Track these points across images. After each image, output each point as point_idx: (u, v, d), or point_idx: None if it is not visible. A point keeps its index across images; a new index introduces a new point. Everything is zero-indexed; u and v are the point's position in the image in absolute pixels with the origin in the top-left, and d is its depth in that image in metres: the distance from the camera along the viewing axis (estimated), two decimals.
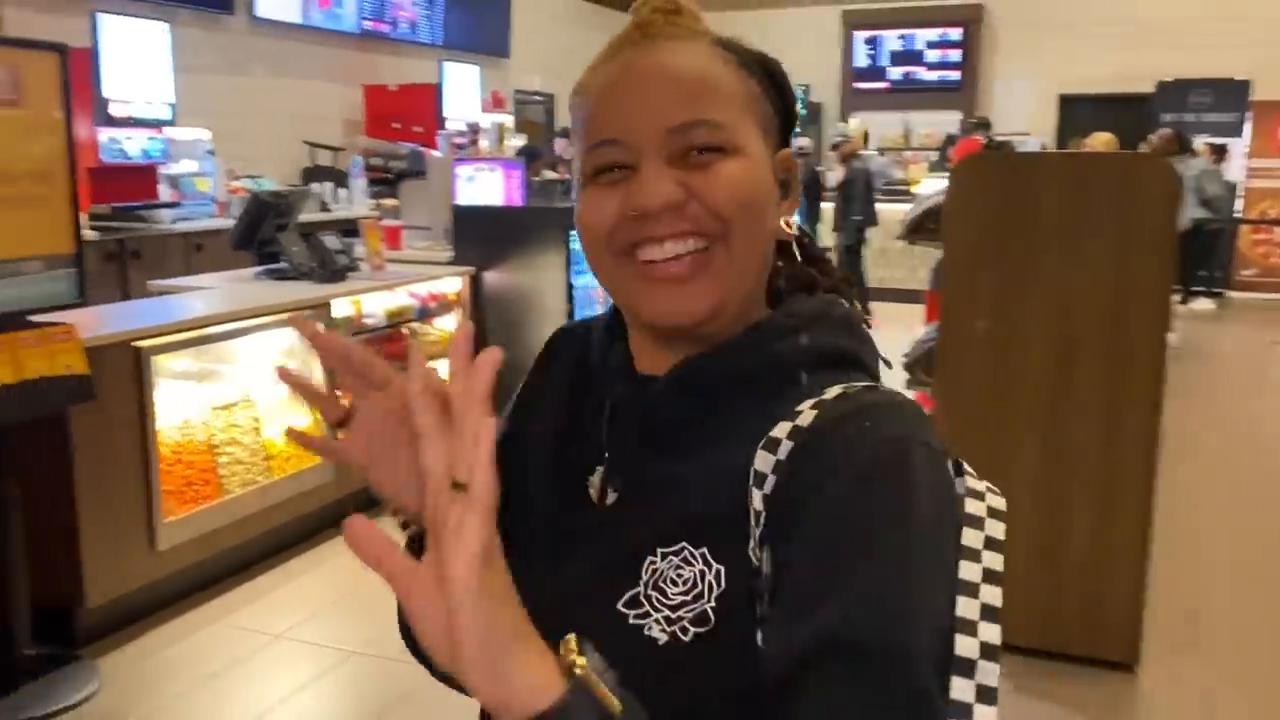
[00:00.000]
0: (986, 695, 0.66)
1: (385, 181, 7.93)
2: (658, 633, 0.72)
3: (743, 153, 0.76)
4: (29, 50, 2.93)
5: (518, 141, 7.60)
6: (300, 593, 3.76)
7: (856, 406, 0.72)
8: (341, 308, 4.37)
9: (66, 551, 3.19)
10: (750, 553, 0.71)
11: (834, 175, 9.14)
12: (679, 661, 0.71)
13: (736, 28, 0.85)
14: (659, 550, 0.74)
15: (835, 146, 9.50)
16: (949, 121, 13.13)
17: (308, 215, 6.16)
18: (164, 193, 6.62)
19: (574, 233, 4.26)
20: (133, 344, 3.38)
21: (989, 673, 0.66)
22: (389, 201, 6.88)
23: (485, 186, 5.66)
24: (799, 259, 0.86)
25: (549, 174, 7.89)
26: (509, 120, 10.61)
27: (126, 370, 3.34)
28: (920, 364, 3.39)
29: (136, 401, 3.38)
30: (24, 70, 2.90)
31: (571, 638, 0.60)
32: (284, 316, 3.95)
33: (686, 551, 0.73)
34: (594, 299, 5.56)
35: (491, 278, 5.15)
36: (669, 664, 0.71)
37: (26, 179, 2.94)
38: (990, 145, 7.94)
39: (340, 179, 8.02)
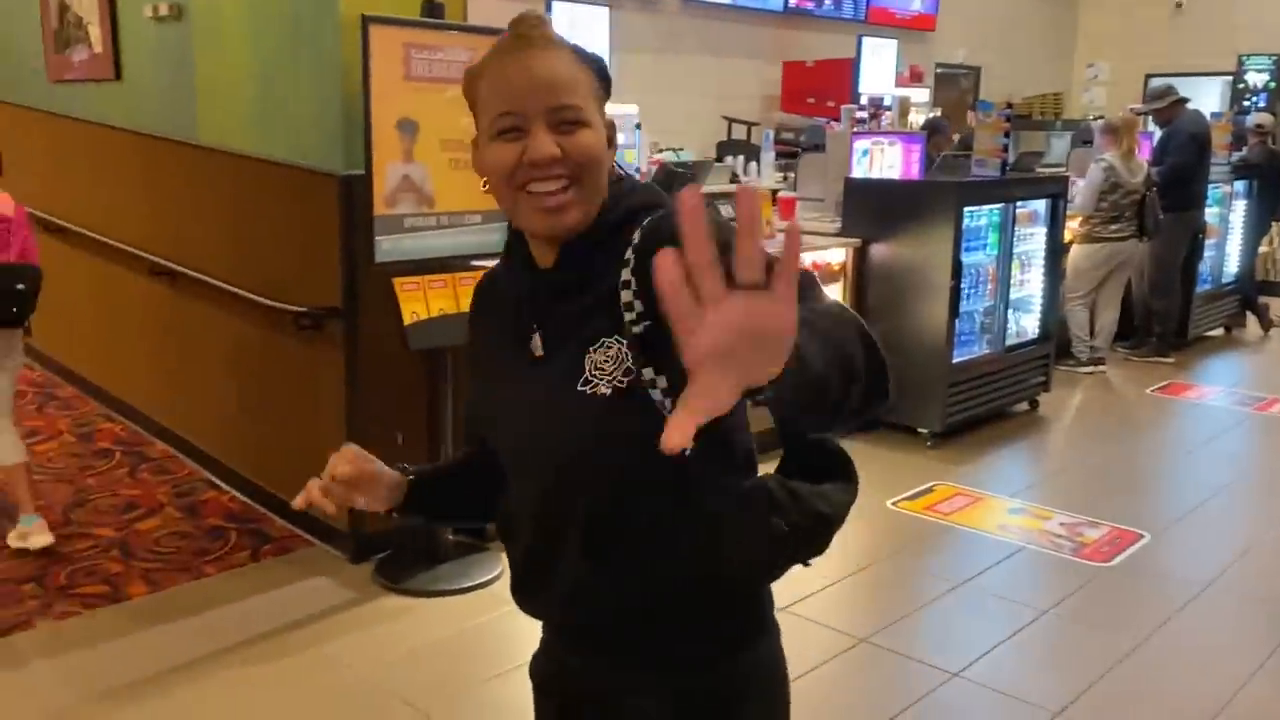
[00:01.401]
0: None
1: (792, 155, 8.19)
2: (605, 389, 1.16)
3: (592, 125, 1.17)
4: (483, 35, 3.49)
5: (922, 116, 7.51)
6: None
7: (656, 220, 1.17)
8: None
9: None
10: (630, 328, 1.14)
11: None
12: (622, 403, 1.16)
13: None
14: (590, 349, 1.18)
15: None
16: None
17: (718, 186, 6.57)
18: None
19: (968, 209, 4.36)
20: None
21: None
22: (794, 175, 7.12)
23: (884, 160, 5.73)
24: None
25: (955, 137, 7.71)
26: (924, 95, 10.47)
27: None
28: None
29: None
30: (479, 53, 3.46)
31: None
32: None
33: (604, 342, 1.17)
34: (985, 276, 5.47)
35: (878, 250, 5.23)
36: (616, 406, 1.16)
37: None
38: None
39: (753, 153, 8.40)
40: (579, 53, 1.21)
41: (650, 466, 1.01)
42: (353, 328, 3.58)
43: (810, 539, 1.20)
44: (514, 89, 1.15)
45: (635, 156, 7.65)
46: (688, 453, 0.91)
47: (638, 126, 7.72)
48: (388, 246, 3.32)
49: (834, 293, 5.21)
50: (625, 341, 1.15)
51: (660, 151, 7.75)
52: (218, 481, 4.45)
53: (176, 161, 4.49)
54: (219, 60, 4.13)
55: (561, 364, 1.20)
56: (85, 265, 5.27)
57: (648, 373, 1.13)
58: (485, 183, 1.21)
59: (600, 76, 1.22)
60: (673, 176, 5.03)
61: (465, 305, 3.46)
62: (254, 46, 3.93)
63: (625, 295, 1.14)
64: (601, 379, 1.16)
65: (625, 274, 1.15)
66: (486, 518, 1.45)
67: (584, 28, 7.31)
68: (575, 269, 1.21)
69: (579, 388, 1.17)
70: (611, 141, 1.23)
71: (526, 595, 1.33)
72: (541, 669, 1.41)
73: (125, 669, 3.06)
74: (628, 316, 1.14)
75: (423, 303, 3.33)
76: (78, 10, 4.91)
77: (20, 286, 3.63)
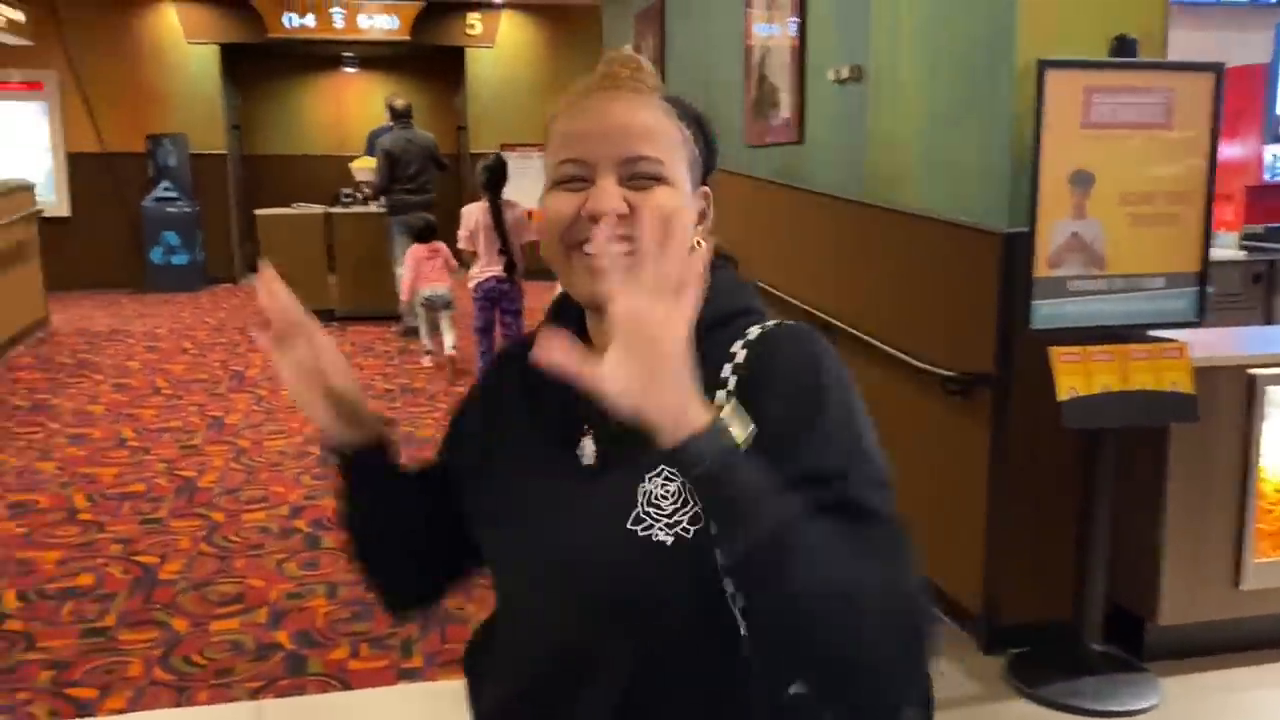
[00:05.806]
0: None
1: None
2: (664, 537, 0.97)
3: (671, 183, 1.03)
4: (1184, 72, 2.99)
5: None
6: None
7: (775, 336, 1.03)
8: None
9: (1146, 563, 3.24)
10: None
11: None
12: (686, 556, 0.96)
13: None
14: (645, 476, 0.99)
15: None
16: None
17: None
18: None
19: None
20: (1248, 370, 3.23)
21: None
22: None
23: None
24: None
25: None
26: None
27: (1236, 396, 3.22)
28: None
29: (1243, 430, 3.23)
30: (1177, 93, 2.97)
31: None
32: None
33: (666, 472, 0.98)
34: None
35: None
36: (678, 559, 0.96)
37: (1162, 198, 3.02)
38: None
39: None
40: (679, 106, 1.07)
41: (709, 617, 0.97)
42: (1003, 398, 3.28)
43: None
44: (583, 132, 1.02)
45: None
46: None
47: None
48: (1046, 311, 2.98)
49: None
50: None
51: None
52: None
53: (842, 218, 4.60)
54: (891, 115, 4.13)
55: (615, 486, 1.01)
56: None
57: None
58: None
59: (702, 140, 1.09)
60: None
61: (1135, 383, 2.99)
62: (927, 100, 3.85)
63: None
64: (659, 520, 0.98)
65: (719, 397, 0.98)
66: (406, 579, 1.25)
67: None
68: None
69: (629, 525, 0.98)
70: (703, 217, 1.10)
71: None
72: None
73: None
74: None
75: (1083, 376, 2.93)
76: (773, 80, 5.30)
77: None
